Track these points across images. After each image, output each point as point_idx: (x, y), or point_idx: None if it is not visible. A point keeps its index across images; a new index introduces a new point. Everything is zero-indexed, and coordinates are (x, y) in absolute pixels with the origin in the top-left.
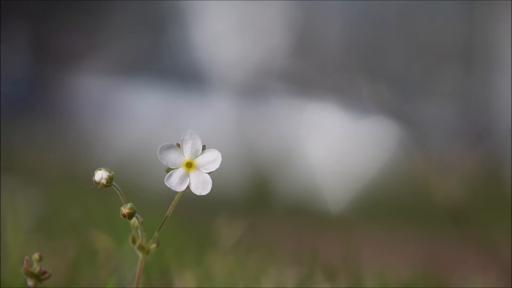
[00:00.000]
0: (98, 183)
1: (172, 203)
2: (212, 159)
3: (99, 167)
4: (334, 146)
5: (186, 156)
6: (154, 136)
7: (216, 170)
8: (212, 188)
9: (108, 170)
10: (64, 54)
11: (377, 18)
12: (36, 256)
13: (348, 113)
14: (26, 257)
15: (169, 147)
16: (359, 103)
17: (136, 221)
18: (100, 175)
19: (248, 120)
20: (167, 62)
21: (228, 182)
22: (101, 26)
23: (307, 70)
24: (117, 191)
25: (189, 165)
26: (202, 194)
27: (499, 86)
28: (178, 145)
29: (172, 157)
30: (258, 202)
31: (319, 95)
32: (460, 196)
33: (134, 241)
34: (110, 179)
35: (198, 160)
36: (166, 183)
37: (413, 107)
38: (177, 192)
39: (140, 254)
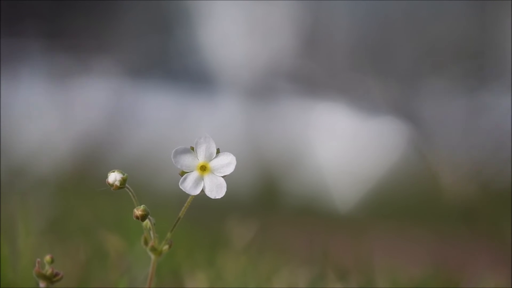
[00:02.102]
0: (112, 185)
1: (185, 205)
2: (226, 163)
3: (108, 169)
4: (343, 146)
5: (200, 159)
6: (163, 138)
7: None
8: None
9: (121, 172)
10: (74, 56)
11: (385, 17)
12: (48, 258)
13: (357, 113)
14: (38, 259)
15: (183, 151)
16: (368, 103)
17: (149, 223)
18: (114, 177)
19: (257, 121)
20: (175, 64)
21: (236, 183)
22: (109, 28)
23: (315, 70)
24: (130, 193)
25: (203, 168)
26: (217, 197)
27: (510, 82)
28: (192, 149)
29: (186, 161)
30: (266, 202)
31: (328, 95)
32: (471, 195)
33: (146, 243)
34: (123, 181)
35: (212, 164)
36: (180, 187)
37: (421, 106)
38: (187, 194)
39: (152, 256)
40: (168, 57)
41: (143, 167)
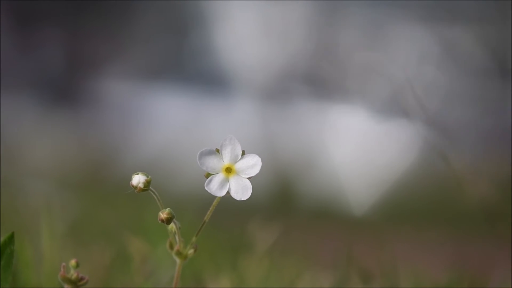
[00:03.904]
0: (136, 187)
1: (210, 208)
2: (251, 164)
3: (123, 171)
4: (358, 148)
5: (226, 161)
6: (178, 140)
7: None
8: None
9: (145, 174)
10: (89, 59)
11: (400, 19)
12: (73, 262)
13: (372, 115)
14: (63, 264)
15: (209, 153)
16: (383, 105)
17: (174, 227)
18: (138, 179)
19: (272, 123)
20: (190, 66)
21: (252, 185)
22: (124, 30)
23: (331, 72)
24: (154, 196)
25: (228, 170)
26: (242, 199)
27: None
28: (218, 150)
29: (211, 163)
30: (283, 205)
31: (343, 97)
32: (491, 197)
33: (171, 247)
34: (147, 183)
35: (238, 165)
36: (206, 188)
37: (440, 108)
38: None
39: (177, 260)
40: (183, 60)
41: (159, 169)
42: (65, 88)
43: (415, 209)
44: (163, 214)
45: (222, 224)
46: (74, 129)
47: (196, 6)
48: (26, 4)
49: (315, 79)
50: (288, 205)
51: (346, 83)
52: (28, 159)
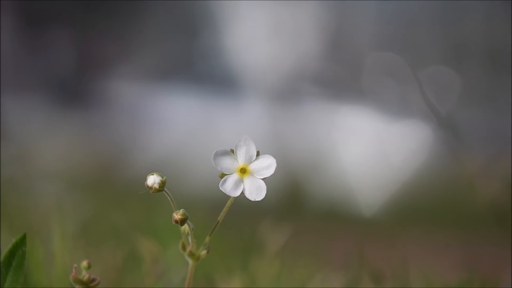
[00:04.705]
0: (151, 187)
1: (224, 209)
2: (266, 165)
3: (134, 172)
4: (368, 149)
5: (240, 162)
6: (188, 141)
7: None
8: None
9: (160, 175)
10: (99, 60)
11: (411, 19)
12: (84, 263)
13: (382, 116)
14: (75, 265)
15: (224, 153)
16: (393, 106)
17: (187, 228)
18: (153, 180)
19: (282, 124)
20: (200, 67)
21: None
22: (134, 31)
23: (340, 73)
24: (168, 197)
25: (243, 171)
26: (257, 199)
27: None
28: (232, 151)
29: (226, 163)
30: (292, 206)
31: (353, 98)
32: (505, 197)
33: (184, 248)
34: (162, 184)
35: (252, 166)
36: (220, 188)
37: (452, 108)
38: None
39: (190, 261)
40: (193, 60)
41: (169, 170)
42: (75, 89)
43: (426, 210)
44: (177, 215)
45: (232, 225)
46: (83, 130)
47: (205, 7)
48: (36, 4)
49: (325, 80)
50: (298, 206)
51: (356, 83)
52: (38, 160)
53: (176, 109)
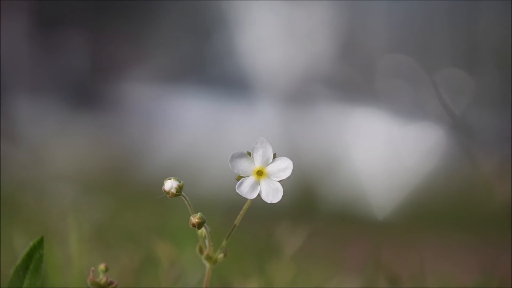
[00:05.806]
0: (168, 192)
1: (241, 212)
2: (283, 167)
3: (146, 174)
4: (381, 151)
5: (257, 164)
6: (200, 143)
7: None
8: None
9: (177, 180)
10: (112, 61)
11: (424, 20)
12: (102, 266)
13: (395, 118)
14: (92, 268)
15: (240, 155)
16: (406, 108)
17: (204, 231)
18: (170, 185)
19: (294, 126)
20: (212, 69)
21: None
22: (146, 34)
23: (353, 75)
24: (185, 201)
25: (259, 173)
26: (273, 202)
27: None
28: (249, 153)
29: (243, 165)
30: (305, 208)
31: (365, 100)
32: None
33: (201, 251)
34: (180, 189)
35: (269, 168)
36: (237, 191)
37: (463, 111)
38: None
39: (207, 264)
40: (205, 62)
41: (181, 172)
42: (89, 91)
43: (440, 212)
44: (194, 219)
45: (248, 228)
46: (97, 131)
47: (218, 9)
48: (50, 6)
49: (337, 82)
50: (312, 208)
51: (369, 85)
52: (52, 162)
53: (189, 111)
